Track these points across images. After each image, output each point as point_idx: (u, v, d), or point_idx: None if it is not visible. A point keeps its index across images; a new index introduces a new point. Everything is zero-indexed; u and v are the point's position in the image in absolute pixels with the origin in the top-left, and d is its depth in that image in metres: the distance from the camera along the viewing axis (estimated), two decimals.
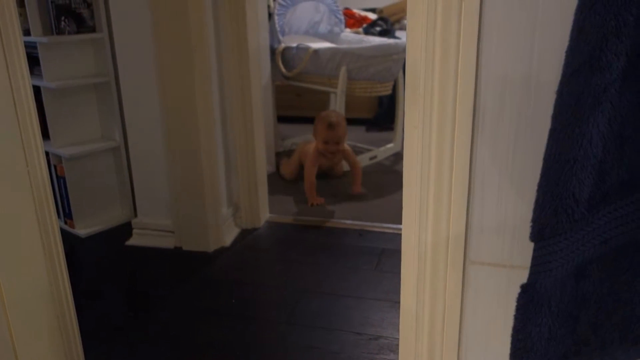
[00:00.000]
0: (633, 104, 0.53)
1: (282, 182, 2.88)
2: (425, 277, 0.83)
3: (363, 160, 3.07)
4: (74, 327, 1.34)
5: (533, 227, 0.61)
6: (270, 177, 2.76)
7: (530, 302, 0.62)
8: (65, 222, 2.34)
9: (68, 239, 2.24)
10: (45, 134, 2.22)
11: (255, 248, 2.19)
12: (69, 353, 1.31)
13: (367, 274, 1.96)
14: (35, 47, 2.12)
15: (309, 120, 3.75)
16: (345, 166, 2.92)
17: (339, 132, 2.60)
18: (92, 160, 2.29)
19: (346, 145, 2.72)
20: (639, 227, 0.55)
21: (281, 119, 3.47)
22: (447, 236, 0.79)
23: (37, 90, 2.17)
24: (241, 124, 2.22)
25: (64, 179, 2.24)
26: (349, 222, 2.34)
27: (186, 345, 1.59)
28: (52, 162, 2.27)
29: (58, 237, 1.27)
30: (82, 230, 2.30)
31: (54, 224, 1.26)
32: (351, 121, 3.44)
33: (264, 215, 2.40)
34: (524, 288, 0.63)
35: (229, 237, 2.23)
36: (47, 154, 2.24)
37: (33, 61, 2.22)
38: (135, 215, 2.27)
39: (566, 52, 0.56)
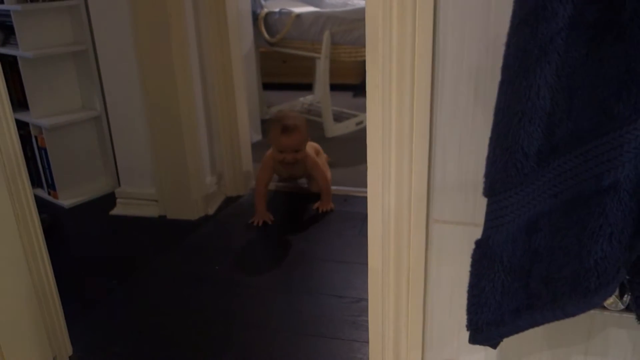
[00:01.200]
0: (581, 54, 0.52)
1: (267, 149, 2.86)
2: (390, 237, 0.83)
3: (349, 126, 3.06)
4: (53, 296, 1.34)
5: (485, 182, 0.60)
6: (255, 145, 2.75)
7: (483, 257, 0.62)
8: (49, 193, 2.33)
9: (52, 209, 2.24)
10: (25, 105, 2.20)
11: (240, 215, 2.19)
12: (50, 323, 1.32)
13: (351, 238, 1.97)
14: (9, 16, 2.08)
15: (296, 86, 3.73)
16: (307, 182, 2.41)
17: (296, 138, 2.11)
18: (73, 130, 2.27)
19: (311, 153, 2.24)
20: (586, 180, 0.54)
21: (267, 86, 3.43)
22: (410, 196, 0.79)
23: (14, 60, 2.14)
24: (222, 92, 2.20)
25: (46, 149, 2.23)
26: (333, 188, 2.33)
27: (170, 312, 1.61)
28: (32, 133, 2.24)
29: (33, 207, 1.26)
30: (66, 200, 2.29)
31: (28, 194, 1.25)
32: (337, 87, 3.42)
33: (249, 182, 2.40)
34: (478, 244, 0.63)
35: (213, 205, 2.23)
36: (27, 124, 2.22)
37: (8, 30, 2.18)
38: (119, 185, 2.27)
39: (514, 2, 0.55)
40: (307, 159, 2.20)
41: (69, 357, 1.41)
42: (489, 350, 0.85)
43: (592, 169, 0.53)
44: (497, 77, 0.71)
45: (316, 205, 2.21)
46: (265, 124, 3.11)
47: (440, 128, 0.76)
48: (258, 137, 2.98)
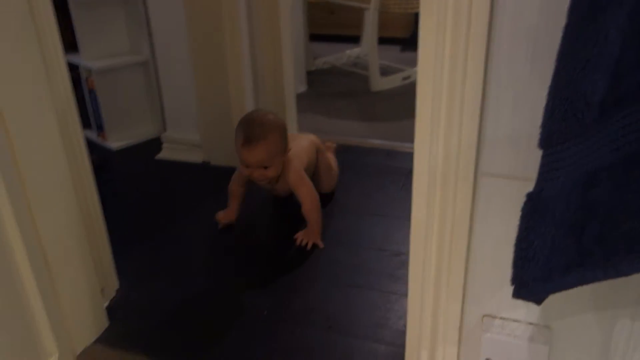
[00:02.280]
0: None
1: (312, 100, 2.84)
2: (436, 189, 0.81)
3: (395, 80, 3.00)
4: (102, 232, 1.39)
5: (542, 133, 0.58)
6: (300, 95, 2.73)
7: (534, 211, 0.60)
8: (98, 135, 2.39)
9: (100, 151, 2.30)
10: (75, 47, 2.23)
11: None
12: (98, 257, 1.37)
13: (393, 193, 1.95)
14: None
15: (343, 39, 3.66)
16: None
17: (261, 151, 1.57)
18: (122, 74, 2.30)
19: (296, 165, 1.70)
20: None
21: (314, 37, 3.39)
22: (458, 147, 0.77)
23: (64, 2, 2.16)
24: (269, 41, 2.17)
25: (95, 92, 2.27)
26: (377, 142, 2.32)
27: (209, 253, 1.65)
28: (82, 75, 2.28)
29: (83, 147, 1.29)
30: (114, 143, 2.34)
31: (79, 135, 1.28)
32: (385, 40, 3.34)
33: (293, 132, 2.39)
34: (529, 196, 0.61)
35: None
36: (76, 67, 2.26)
37: None
38: (165, 130, 2.30)
39: None
40: (289, 174, 1.69)
41: (116, 290, 1.47)
42: (530, 307, 0.84)
43: None
44: (559, 23, 0.68)
45: (297, 235, 1.69)
46: (311, 75, 3.09)
47: (495, 76, 0.73)
48: (303, 88, 2.96)
